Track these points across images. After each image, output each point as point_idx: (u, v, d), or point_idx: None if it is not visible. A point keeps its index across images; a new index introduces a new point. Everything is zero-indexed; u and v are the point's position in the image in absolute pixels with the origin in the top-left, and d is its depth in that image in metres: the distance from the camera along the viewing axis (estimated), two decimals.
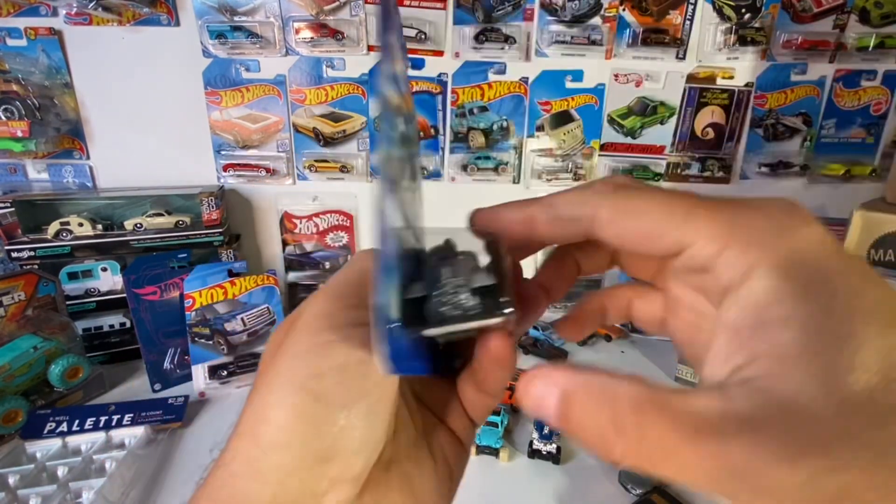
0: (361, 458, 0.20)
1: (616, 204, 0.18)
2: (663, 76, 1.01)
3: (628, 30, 0.98)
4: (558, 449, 0.66)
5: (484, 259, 0.20)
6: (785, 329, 0.14)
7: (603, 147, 1.05)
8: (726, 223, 0.16)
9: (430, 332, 0.18)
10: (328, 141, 1.00)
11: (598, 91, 1.02)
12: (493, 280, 0.19)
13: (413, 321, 0.18)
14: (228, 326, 0.83)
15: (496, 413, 0.70)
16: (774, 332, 0.15)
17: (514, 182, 1.05)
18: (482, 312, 0.18)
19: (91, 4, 0.84)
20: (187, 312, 0.81)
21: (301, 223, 1.05)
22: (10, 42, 0.89)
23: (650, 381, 0.15)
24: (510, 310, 0.18)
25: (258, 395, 0.19)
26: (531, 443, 0.67)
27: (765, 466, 0.13)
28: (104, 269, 0.92)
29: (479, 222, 0.22)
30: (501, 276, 0.19)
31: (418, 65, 0.98)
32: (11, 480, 0.58)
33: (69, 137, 0.95)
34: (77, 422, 0.68)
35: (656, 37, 0.97)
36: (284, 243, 1.07)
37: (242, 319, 0.84)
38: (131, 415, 0.71)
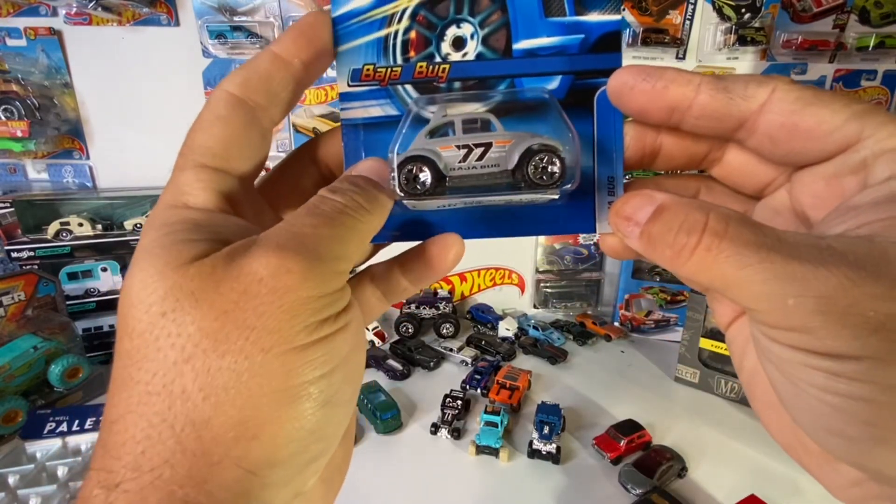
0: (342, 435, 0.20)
1: (797, 91, 0.18)
2: None
3: (628, 30, 0.98)
4: (558, 449, 0.66)
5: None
6: None
7: None
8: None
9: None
10: None
11: None
12: (427, 184, 0.22)
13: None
14: None
15: (496, 413, 0.70)
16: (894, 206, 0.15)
17: None
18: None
19: (91, 4, 0.84)
20: None
21: None
22: (10, 42, 0.89)
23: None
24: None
25: (229, 395, 0.15)
26: (531, 443, 0.67)
27: (826, 277, 0.14)
28: (104, 269, 0.92)
29: (636, 73, 0.20)
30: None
31: None
32: (11, 480, 0.58)
33: (69, 137, 0.95)
34: (77, 422, 0.67)
35: (656, 37, 0.97)
36: None
37: None
38: None
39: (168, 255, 0.16)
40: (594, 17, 0.22)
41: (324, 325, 0.17)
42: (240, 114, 0.20)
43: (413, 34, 0.22)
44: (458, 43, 0.22)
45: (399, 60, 0.22)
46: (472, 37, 0.22)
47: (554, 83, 0.22)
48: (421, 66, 0.22)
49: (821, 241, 0.15)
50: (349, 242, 0.19)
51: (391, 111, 0.23)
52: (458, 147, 0.22)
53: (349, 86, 0.22)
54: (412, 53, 0.22)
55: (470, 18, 0.22)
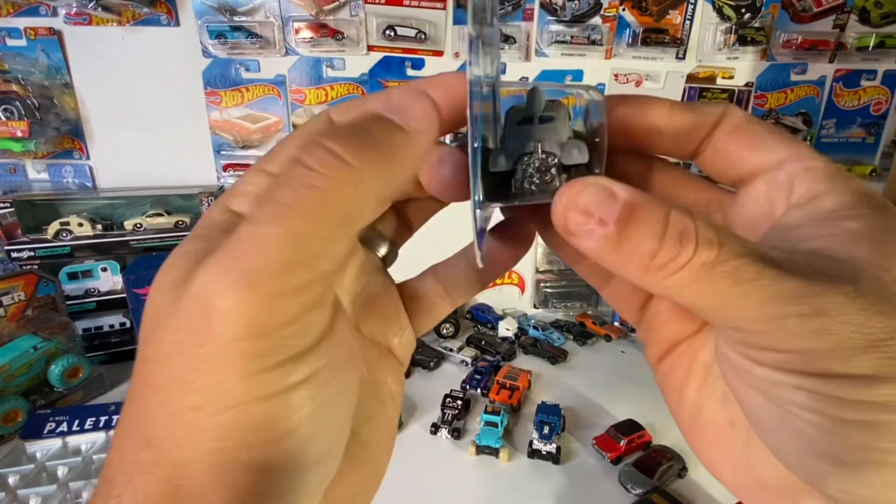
0: None
1: (743, 112, 0.19)
2: (663, 76, 1.01)
3: (628, 29, 0.98)
4: (558, 449, 0.66)
5: (569, 122, 0.18)
6: (852, 221, 0.15)
7: None
8: (815, 152, 0.18)
9: (514, 203, 0.18)
10: None
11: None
12: (585, 157, 0.18)
13: (495, 194, 0.18)
14: None
15: (496, 413, 0.70)
16: (840, 223, 0.15)
17: None
18: None
19: (91, 4, 0.84)
20: None
21: None
22: (10, 42, 0.89)
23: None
24: None
25: (165, 448, 0.13)
26: (531, 443, 0.67)
27: (821, 292, 0.13)
28: (104, 269, 0.92)
29: (617, 98, 0.20)
30: (595, 149, 0.18)
31: (418, 65, 0.98)
32: (11, 480, 0.58)
33: (69, 137, 0.95)
34: (77, 422, 0.67)
35: (656, 36, 0.97)
36: None
37: None
38: None
39: (178, 266, 0.15)
40: None
41: (271, 375, 0.13)
42: None
43: None
44: None
45: None
46: None
47: None
48: None
49: (793, 255, 0.15)
50: (316, 236, 0.13)
51: None
52: None
53: None
54: None
55: None
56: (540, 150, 0.18)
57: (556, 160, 0.18)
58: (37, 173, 0.97)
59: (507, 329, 0.99)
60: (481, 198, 0.17)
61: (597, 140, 0.18)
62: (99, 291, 0.92)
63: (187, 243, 0.15)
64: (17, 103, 0.86)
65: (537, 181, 0.18)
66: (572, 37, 0.96)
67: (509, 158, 0.18)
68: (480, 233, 0.17)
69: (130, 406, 0.15)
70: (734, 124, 0.19)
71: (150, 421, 0.14)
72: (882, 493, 0.14)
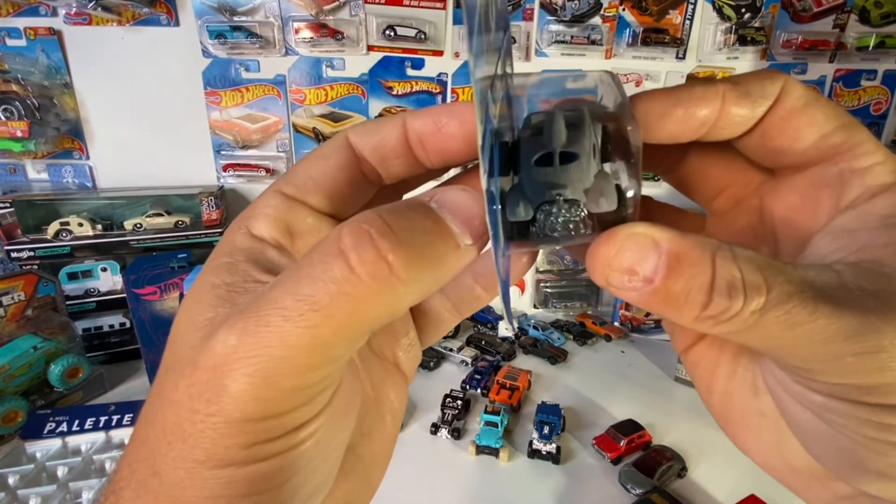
0: None
1: (801, 89, 0.17)
2: (663, 76, 1.01)
3: (628, 29, 0.98)
4: (558, 449, 0.66)
5: (595, 158, 0.16)
6: None
7: None
8: (876, 144, 0.17)
9: (537, 248, 0.17)
10: None
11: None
12: (614, 205, 0.16)
13: (516, 237, 0.16)
14: None
15: (496, 413, 0.70)
16: (892, 232, 0.15)
17: None
18: (594, 234, 0.16)
19: (91, 4, 0.84)
20: None
21: None
22: (10, 42, 0.89)
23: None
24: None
25: (163, 486, 0.14)
26: (531, 443, 0.67)
27: (880, 327, 0.13)
28: (104, 270, 0.92)
29: (664, 99, 0.17)
30: (628, 183, 0.16)
31: (418, 65, 0.98)
32: (11, 480, 0.58)
33: (69, 137, 0.95)
34: (77, 422, 0.67)
35: (656, 36, 0.97)
36: None
37: None
38: (131, 415, 0.71)
39: (204, 301, 0.15)
40: None
41: (273, 444, 0.14)
42: (341, 156, 0.18)
43: None
44: None
45: None
46: None
47: None
48: None
49: (844, 278, 0.14)
50: (342, 341, 0.13)
51: None
52: None
53: None
54: None
55: None
56: (562, 201, 0.16)
57: (582, 211, 0.16)
58: (37, 173, 0.97)
59: (507, 329, 0.99)
60: (506, 279, 0.16)
61: (632, 160, 0.16)
62: (99, 291, 0.92)
63: (213, 274, 0.16)
64: (17, 103, 0.86)
65: (560, 230, 0.16)
66: (572, 37, 0.96)
67: (528, 206, 0.16)
68: (505, 290, 0.17)
69: (143, 427, 0.15)
70: (790, 108, 0.17)
71: (156, 455, 0.14)
72: None
